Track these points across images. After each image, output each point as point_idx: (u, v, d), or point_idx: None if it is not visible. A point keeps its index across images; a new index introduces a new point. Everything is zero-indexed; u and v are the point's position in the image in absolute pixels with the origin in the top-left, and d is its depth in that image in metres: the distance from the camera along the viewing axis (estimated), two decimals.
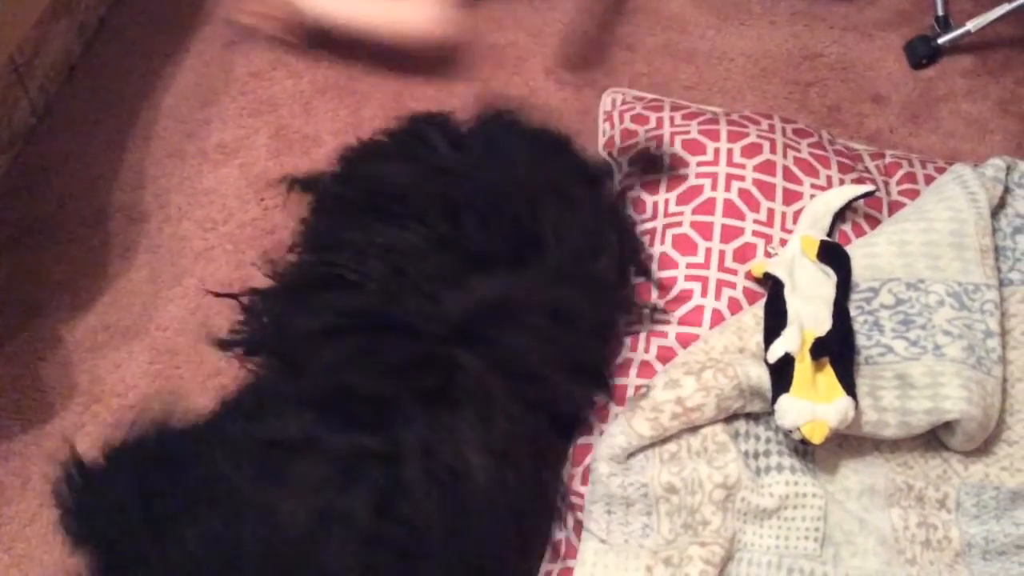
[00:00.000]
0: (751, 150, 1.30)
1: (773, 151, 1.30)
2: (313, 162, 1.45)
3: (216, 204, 1.41)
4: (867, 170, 1.35)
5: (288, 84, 1.54)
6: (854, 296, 1.18)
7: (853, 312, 1.16)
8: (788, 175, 1.28)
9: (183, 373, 1.26)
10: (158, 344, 1.28)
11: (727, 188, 1.27)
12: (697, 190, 1.28)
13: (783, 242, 1.24)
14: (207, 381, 1.25)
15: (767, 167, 1.28)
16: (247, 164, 1.45)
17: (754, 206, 1.26)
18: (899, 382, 1.10)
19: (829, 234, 1.23)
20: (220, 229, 1.38)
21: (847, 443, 1.12)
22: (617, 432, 1.09)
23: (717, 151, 1.30)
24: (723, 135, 1.32)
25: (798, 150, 1.32)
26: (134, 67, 1.54)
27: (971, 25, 1.54)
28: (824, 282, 1.17)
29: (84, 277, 1.33)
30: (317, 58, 1.57)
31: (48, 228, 1.37)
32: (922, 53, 1.59)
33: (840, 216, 1.26)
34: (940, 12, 1.61)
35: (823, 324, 1.12)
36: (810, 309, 1.14)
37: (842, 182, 1.29)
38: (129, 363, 1.27)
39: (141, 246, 1.36)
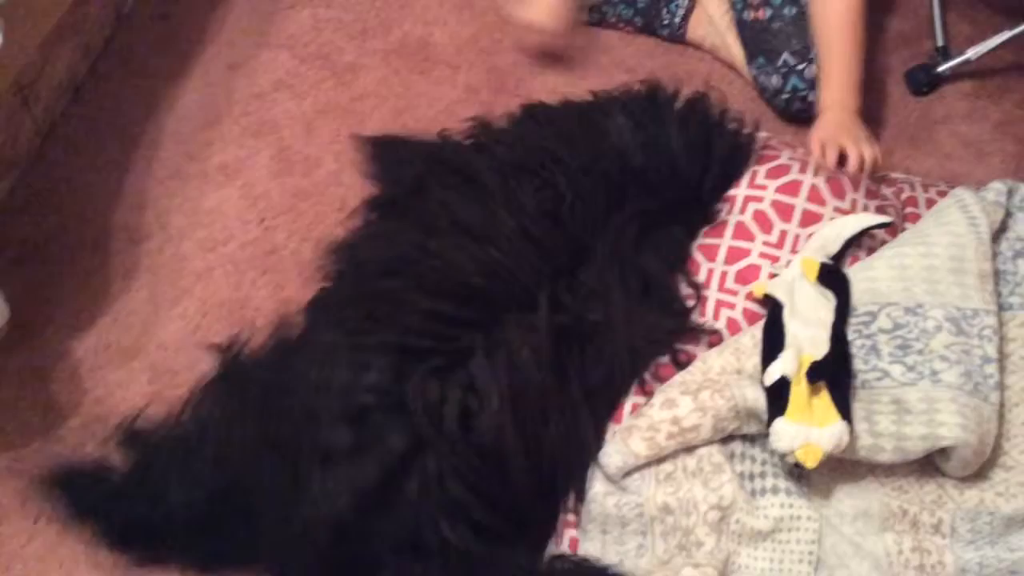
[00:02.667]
0: (778, 171, 1.30)
1: (803, 171, 1.29)
2: (314, 183, 1.46)
3: (217, 225, 1.42)
4: (887, 197, 1.35)
5: (290, 105, 1.55)
6: (852, 320, 1.18)
7: (851, 336, 1.16)
8: (813, 195, 1.28)
9: (183, 393, 1.26)
10: (158, 364, 1.29)
11: (742, 211, 1.28)
12: (712, 214, 1.29)
13: (789, 263, 1.24)
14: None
15: (791, 187, 1.28)
16: (248, 185, 1.46)
17: (767, 228, 1.26)
18: (895, 407, 1.10)
19: (839, 259, 1.24)
20: (221, 250, 1.39)
21: (842, 467, 1.12)
22: (613, 451, 1.10)
23: (743, 175, 1.31)
24: (751, 158, 1.33)
25: (830, 170, 1.32)
26: (138, 88, 1.56)
27: (971, 53, 1.55)
28: (823, 306, 1.17)
29: (85, 297, 1.34)
30: (319, 79, 1.58)
31: (50, 248, 1.39)
32: (923, 81, 1.59)
33: (855, 242, 1.26)
34: (940, 43, 1.61)
35: (820, 348, 1.12)
36: (808, 333, 1.14)
37: (866, 208, 1.29)
38: (129, 382, 1.28)
39: (142, 266, 1.37)
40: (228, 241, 1.40)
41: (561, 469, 1.10)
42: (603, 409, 1.15)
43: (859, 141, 1.32)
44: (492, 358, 1.07)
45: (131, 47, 1.61)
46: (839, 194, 1.28)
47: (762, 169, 1.30)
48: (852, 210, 1.28)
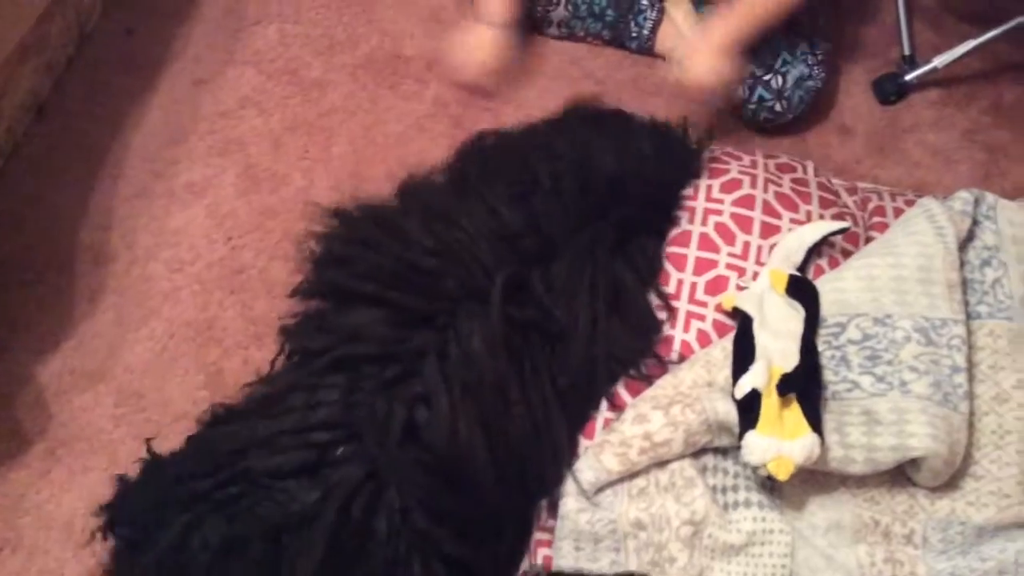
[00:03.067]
0: (731, 185, 1.30)
1: (753, 186, 1.31)
2: (282, 200, 1.45)
3: (184, 244, 1.40)
4: (846, 205, 1.36)
5: (257, 122, 1.54)
6: (822, 331, 1.18)
7: (821, 347, 1.16)
8: (767, 209, 1.29)
9: (150, 416, 1.25)
10: (124, 387, 1.27)
11: (704, 222, 1.27)
12: (674, 222, 1.28)
13: (756, 275, 1.24)
14: (174, 424, 1.24)
15: (746, 201, 1.29)
16: (215, 203, 1.44)
17: (730, 239, 1.26)
18: (865, 418, 1.10)
19: (803, 268, 1.24)
20: (187, 270, 1.38)
21: (814, 478, 1.12)
22: (585, 467, 1.09)
23: (696, 187, 1.31)
24: (703, 172, 1.33)
25: (779, 185, 1.32)
26: (102, 107, 1.54)
27: (938, 62, 1.56)
28: (792, 317, 1.17)
29: (50, 320, 1.32)
30: (286, 95, 1.57)
31: (14, 269, 1.36)
32: (890, 90, 1.60)
33: (816, 251, 1.26)
34: (907, 51, 1.62)
35: (790, 360, 1.12)
36: (778, 345, 1.14)
37: (822, 217, 1.30)
38: (95, 406, 1.26)
39: (108, 288, 1.36)
40: (195, 261, 1.39)
41: (531, 469, 1.09)
42: (575, 415, 1.14)
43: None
44: (446, 357, 1.06)
45: (95, 65, 1.59)
46: (792, 207, 1.29)
47: (716, 183, 1.31)
48: (808, 220, 1.29)
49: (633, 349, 1.17)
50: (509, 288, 1.11)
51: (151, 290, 1.36)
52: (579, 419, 1.14)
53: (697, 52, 1.43)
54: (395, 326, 1.09)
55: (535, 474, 1.09)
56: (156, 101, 1.55)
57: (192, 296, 1.35)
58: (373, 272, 1.12)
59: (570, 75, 1.62)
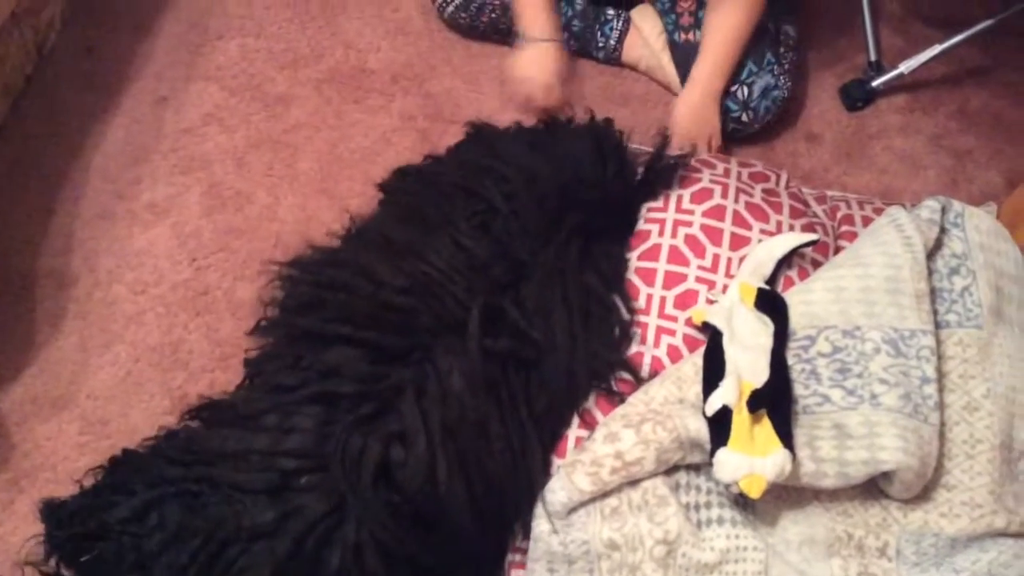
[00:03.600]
0: (701, 195, 1.30)
1: (724, 196, 1.30)
2: (247, 219, 1.43)
3: (147, 266, 1.38)
4: (815, 215, 1.35)
5: (221, 140, 1.51)
6: (791, 344, 1.17)
7: (790, 360, 1.16)
8: (738, 220, 1.28)
9: (115, 443, 1.23)
10: (89, 414, 1.25)
11: (673, 235, 1.27)
12: (644, 235, 1.28)
13: (725, 288, 1.24)
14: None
15: (716, 212, 1.28)
16: (179, 223, 1.42)
17: (700, 252, 1.25)
18: (836, 432, 1.09)
19: (773, 281, 1.23)
20: (151, 292, 1.35)
21: (786, 493, 1.11)
22: (558, 488, 1.08)
23: (667, 196, 1.30)
24: (674, 180, 1.32)
25: (751, 195, 1.32)
26: (62, 127, 1.51)
27: (904, 68, 1.56)
28: (761, 331, 1.17)
29: (11, 347, 1.30)
30: (249, 112, 1.55)
31: None
32: (857, 96, 1.60)
33: (786, 262, 1.26)
34: (873, 57, 1.62)
35: (761, 375, 1.12)
36: (748, 359, 1.13)
37: (792, 227, 1.29)
38: (59, 435, 1.24)
39: (70, 312, 1.33)
40: (159, 283, 1.36)
41: (508, 502, 1.08)
42: (548, 439, 1.13)
43: (709, 136, 1.50)
44: (422, 393, 1.04)
45: (54, 84, 1.56)
46: (763, 218, 1.28)
47: (686, 193, 1.30)
48: (778, 231, 1.28)
49: (609, 360, 1.16)
50: (484, 319, 1.10)
51: (114, 314, 1.33)
52: (553, 439, 1.13)
53: (684, 115, 1.49)
54: (372, 363, 1.07)
55: (512, 505, 1.08)
56: (117, 120, 1.53)
57: (156, 319, 1.33)
58: (346, 314, 1.10)
59: None
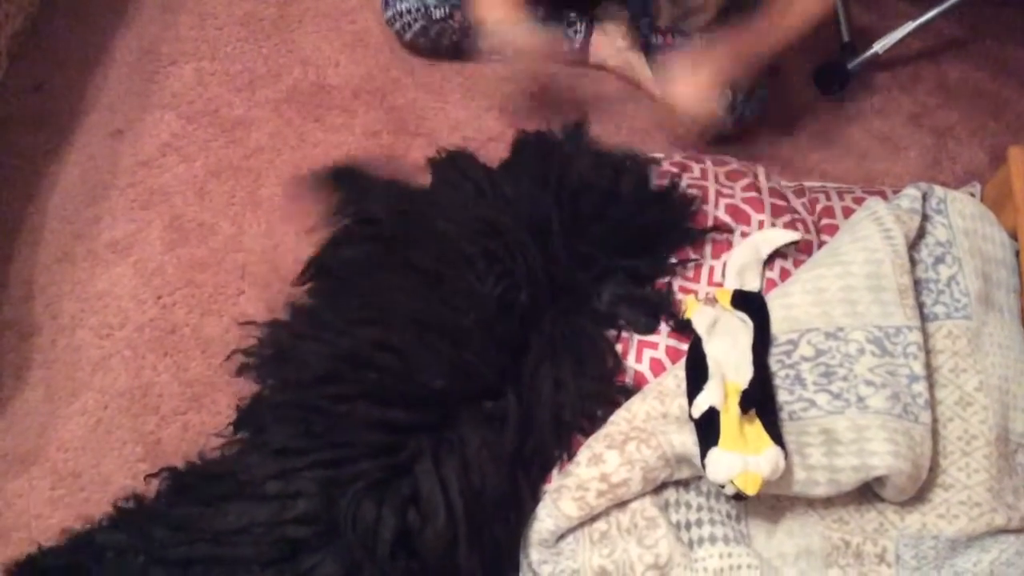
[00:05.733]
0: None
1: (704, 201, 1.27)
2: (212, 251, 1.39)
3: (111, 308, 1.34)
4: (795, 209, 1.32)
5: (180, 170, 1.47)
6: (774, 350, 1.14)
7: (774, 366, 1.13)
8: (718, 224, 1.26)
9: (89, 495, 1.20)
10: (59, 467, 1.22)
11: None
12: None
13: (708, 295, 1.20)
14: (115, 502, 1.19)
15: (698, 220, 1.25)
16: (141, 261, 1.38)
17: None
18: (825, 438, 1.06)
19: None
20: (117, 334, 1.32)
21: (779, 504, 1.08)
22: (544, 515, 1.05)
23: None
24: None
25: (731, 196, 1.28)
26: (15, 168, 1.47)
27: (879, 47, 1.52)
28: (741, 330, 1.14)
29: None
30: (208, 138, 1.51)
31: None
32: (832, 80, 1.56)
33: (767, 263, 1.23)
34: (846, 39, 1.57)
35: (744, 373, 1.09)
36: (730, 359, 1.11)
37: (774, 225, 1.26)
38: (30, 492, 1.20)
39: (34, 362, 1.29)
40: (124, 324, 1.33)
41: (507, 549, 1.06)
42: (537, 481, 1.10)
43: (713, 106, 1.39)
44: (441, 461, 1.00)
45: (4, 124, 1.51)
46: (744, 220, 1.25)
47: None
48: (759, 230, 1.25)
49: (597, 398, 1.13)
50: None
51: (80, 360, 1.30)
52: (541, 477, 1.10)
53: (687, 83, 1.37)
54: (388, 433, 1.04)
55: (508, 551, 1.06)
56: (72, 157, 1.48)
57: (124, 363, 1.29)
58: (374, 392, 1.06)
59: (503, 92, 1.57)
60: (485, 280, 1.14)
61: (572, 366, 1.12)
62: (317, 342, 1.13)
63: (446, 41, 1.56)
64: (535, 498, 1.07)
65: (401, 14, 1.53)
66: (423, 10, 1.52)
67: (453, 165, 1.32)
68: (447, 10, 1.51)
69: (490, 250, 1.17)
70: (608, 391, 1.14)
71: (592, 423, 1.11)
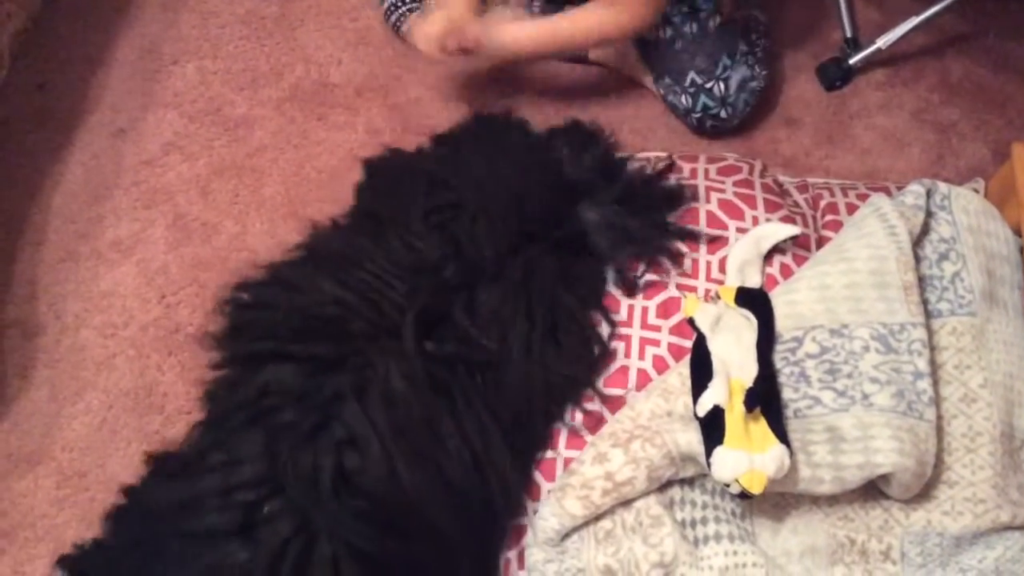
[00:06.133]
0: None
1: (694, 198, 1.27)
2: (215, 250, 1.39)
3: (115, 307, 1.34)
4: (796, 204, 1.31)
5: (183, 169, 1.47)
6: (778, 347, 1.14)
7: (779, 364, 1.12)
8: (712, 221, 1.25)
9: (94, 495, 1.20)
10: (65, 467, 1.22)
11: None
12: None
13: (707, 292, 1.20)
14: (119, 500, 1.19)
15: (689, 215, 1.25)
16: (145, 260, 1.38)
17: (678, 259, 1.22)
18: (830, 435, 1.06)
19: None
20: (121, 334, 1.32)
21: (784, 501, 1.08)
22: (549, 514, 1.05)
23: None
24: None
25: (723, 191, 1.28)
26: (19, 167, 1.47)
27: (881, 42, 1.51)
28: (745, 327, 1.14)
29: None
30: (211, 137, 1.51)
31: None
32: (835, 76, 1.55)
33: (767, 259, 1.23)
34: (849, 34, 1.56)
35: (748, 370, 1.09)
36: (735, 357, 1.10)
37: (768, 220, 1.25)
38: (36, 492, 1.21)
39: (39, 362, 1.30)
40: (128, 324, 1.33)
41: (479, 504, 1.04)
42: (522, 447, 1.10)
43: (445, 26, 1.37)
44: (366, 399, 1.01)
45: (7, 123, 1.52)
46: (737, 215, 1.25)
47: None
48: (755, 226, 1.25)
49: (573, 378, 1.12)
50: (426, 322, 1.06)
51: (84, 360, 1.30)
52: (527, 450, 1.10)
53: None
54: (306, 375, 1.04)
55: (483, 508, 1.05)
56: (75, 157, 1.48)
57: (128, 362, 1.30)
58: (270, 331, 1.07)
59: (504, 90, 1.56)
60: (420, 205, 1.16)
61: (544, 335, 1.12)
62: (238, 295, 1.15)
63: None
64: (527, 466, 1.09)
65: (396, 5, 1.53)
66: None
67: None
68: None
69: (439, 178, 1.19)
70: (583, 376, 1.14)
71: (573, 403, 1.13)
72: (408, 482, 0.98)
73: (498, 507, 1.06)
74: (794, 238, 1.24)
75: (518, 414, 1.09)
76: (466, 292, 1.11)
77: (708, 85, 1.43)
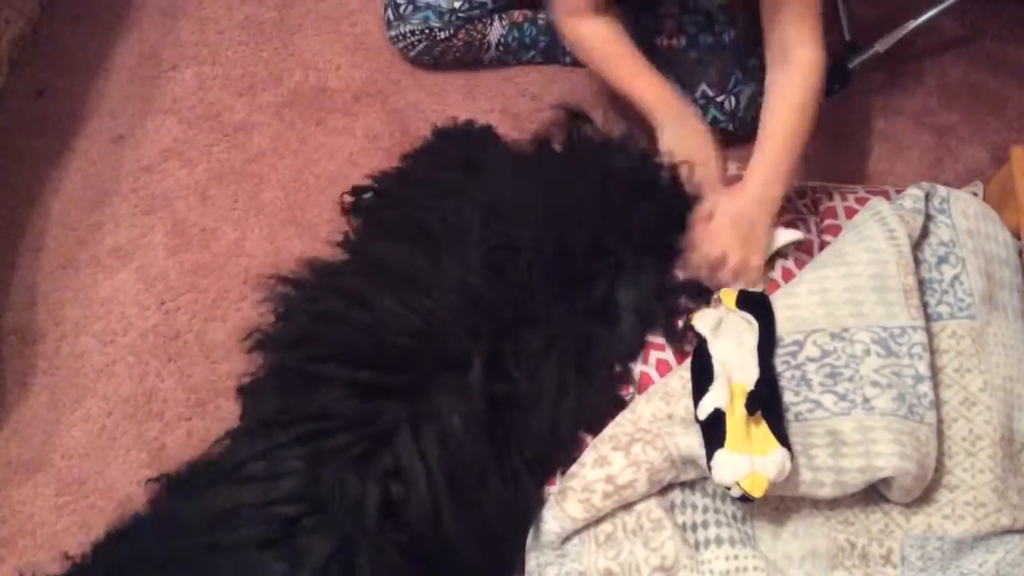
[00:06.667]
0: None
1: None
2: (214, 256, 1.39)
3: (114, 314, 1.34)
4: (797, 209, 1.31)
5: (182, 175, 1.47)
6: (779, 351, 1.14)
7: (780, 367, 1.13)
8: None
9: (94, 502, 1.20)
10: (64, 475, 1.22)
11: None
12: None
13: (712, 297, 1.21)
14: (119, 508, 1.18)
15: None
16: (144, 267, 1.38)
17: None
18: (831, 439, 1.06)
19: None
20: (120, 341, 1.32)
21: (784, 505, 1.09)
22: (550, 517, 1.05)
23: None
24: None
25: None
26: (17, 174, 1.47)
27: (880, 46, 1.51)
28: (746, 330, 1.14)
29: None
30: (209, 143, 1.50)
31: None
32: (833, 80, 1.55)
33: (769, 264, 1.23)
34: (847, 37, 1.56)
35: (750, 373, 1.09)
36: (736, 360, 1.10)
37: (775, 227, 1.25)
38: (35, 499, 1.20)
39: (38, 369, 1.29)
40: (127, 331, 1.32)
41: (507, 541, 1.06)
42: (543, 478, 1.10)
43: (749, 257, 1.20)
44: (419, 432, 1.01)
45: (6, 130, 1.51)
46: None
47: None
48: None
49: (601, 411, 1.12)
50: (487, 362, 1.06)
51: (84, 367, 1.29)
52: (546, 479, 1.10)
53: (725, 225, 1.21)
54: (362, 399, 1.04)
55: (509, 544, 1.06)
56: (74, 163, 1.48)
57: (127, 369, 1.29)
58: (341, 353, 1.06)
59: (504, 94, 1.57)
60: (479, 243, 1.14)
61: (576, 368, 1.12)
62: (301, 299, 1.15)
63: (450, 58, 1.56)
64: (540, 498, 1.07)
65: (405, 35, 1.53)
66: (427, 32, 1.52)
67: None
68: (452, 31, 1.52)
69: (493, 213, 1.17)
70: (608, 408, 1.13)
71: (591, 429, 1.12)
72: (450, 522, 0.99)
73: (520, 542, 1.07)
74: (798, 242, 1.24)
75: (540, 452, 1.10)
76: (515, 332, 1.12)
77: (719, 99, 1.43)
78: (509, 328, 1.11)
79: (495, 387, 1.07)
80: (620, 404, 1.13)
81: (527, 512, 1.07)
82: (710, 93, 1.43)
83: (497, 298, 1.12)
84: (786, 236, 1.24)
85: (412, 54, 1.56)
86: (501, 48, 1.56)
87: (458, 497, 1.00)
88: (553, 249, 1.16)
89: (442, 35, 1.52)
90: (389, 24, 1.55)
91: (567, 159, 1.32)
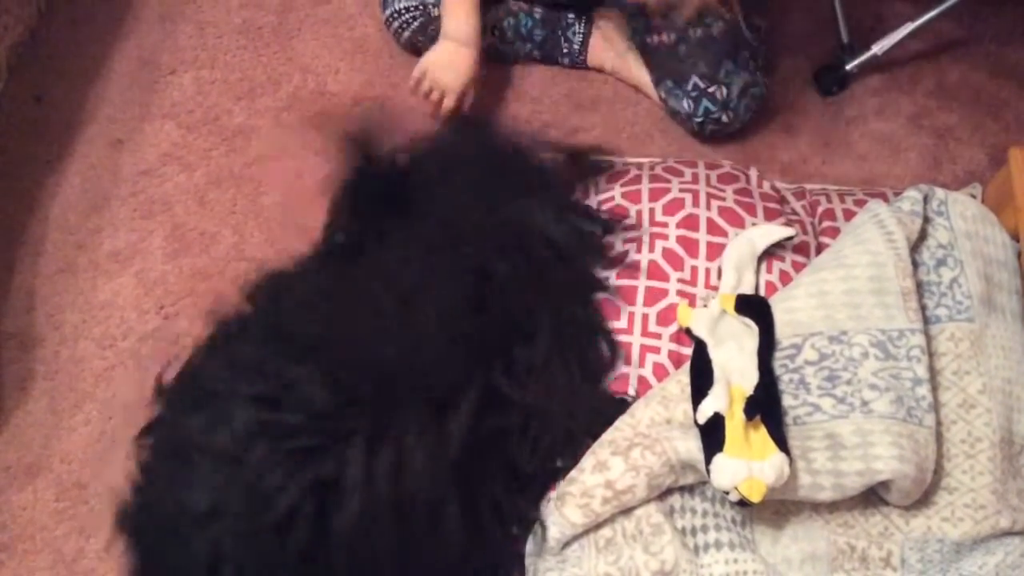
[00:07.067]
0: (673, 206, 1.27)
1: (696, 204, 1.27)
2: (214, 260, 1.39)
3: (113, 318, 1.34)
4: (794, 211, 1.32)
5: (181, 179, 1.47)
6: (778, 354, 1.14)
7: (778, 371, 1.13)
8: (712, 228, 1.25)
9: (93, 507, 1.20)
10: (64, 479, 1.22)
11: (651, 249, 1.24)
12: (622, 254, 1.24)
13: (694, 299, 1.21)
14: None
15: (690, 222, 1.25)
16: (143, 271, 1.38)
17: (678, 264, 1.23)
18: (829, 442, 1.06)
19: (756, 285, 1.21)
20: (120, 345, 1.32)
21: (784, 508, 1.08)
22: (549, 523, 1.05)
23: (639, 213, 1.27)
24: (644, 195, 1.29)
25: (722, 199, 1.28)
26: (16, 179, 1.47)
27: (877, 48, 1.51)
28: (746, 334, 1.14)
29: None
30: (208, 147, 1.51)
31: None
32: (831, 82, 1.56)
33: (766, 266, 1.23)
34: (845, 40, 1.57)
35: (749, 377, 1.09)
36: (735, 364, 1.11)
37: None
38: (35, 504, 1.20)
39: (37, 374, 1.29)
40: (127, 335, 1.33)
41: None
42: (538, 498, 1.09)
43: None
44: (374, 449, 0.96)
45: (5, 135, 1.51)
46: (737, 222, 1.25)
47: (658, 205, 1.27)
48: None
49: (604, 418, 1.12)
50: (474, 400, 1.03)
51: (83, 372, 1.30)
52: (542, 493, 1.09)
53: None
54: (335, 393, 1.01)
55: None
56: (73, 168, 1.48)
57: (127, 374, 1.29)
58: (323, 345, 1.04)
59: (503, 97, 1.57)
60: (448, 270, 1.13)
61: (579, 376, 1.12)
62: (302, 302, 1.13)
63: None
64: (501, 524, 1.06)
65: (400, 12, 1.54)
66: (422, 8, 1.52)
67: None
68: None
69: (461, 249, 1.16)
70: (612, 411, 1.13)
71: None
72: (382, 553, 0.96)
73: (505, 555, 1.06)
74: (789, 239, 1.24)
75: (545, 460, 1.09)
76: (505, 355, 1.10)
77: (711, 89, 1.43)
78: (497, 350, 1.09)
79: (487, 423, 1.04)
80: (616, 404, 1.13)
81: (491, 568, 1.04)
82: (702, 85, 1.44)
83: (479, 327, 1.09)
84: (779, 232, 1.24)
85: (406, 34, 1.56)
86: (496, 34, 1.56)
87: (394, 530, 0.96)
88: (524, 268, 1.16)
89: (436, 11, 1.51)
90: (384, 3, 1.56)
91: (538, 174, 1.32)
